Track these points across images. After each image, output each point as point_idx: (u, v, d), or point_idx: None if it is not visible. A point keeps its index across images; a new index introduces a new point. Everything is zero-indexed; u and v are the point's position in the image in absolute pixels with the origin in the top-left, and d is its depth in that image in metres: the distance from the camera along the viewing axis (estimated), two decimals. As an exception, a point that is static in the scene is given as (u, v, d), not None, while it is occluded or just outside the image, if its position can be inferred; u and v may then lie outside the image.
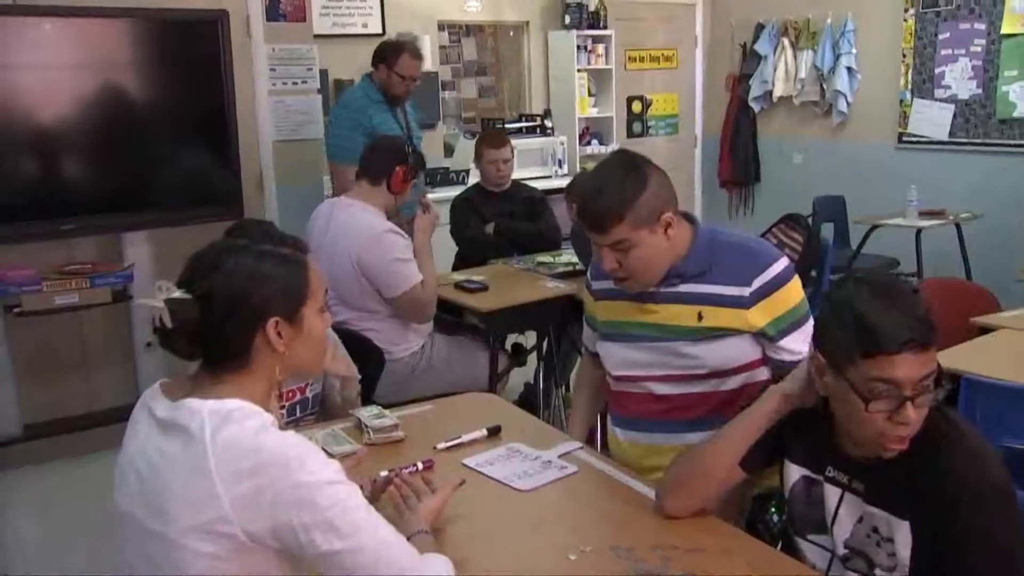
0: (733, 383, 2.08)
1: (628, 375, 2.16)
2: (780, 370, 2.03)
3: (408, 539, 1.43)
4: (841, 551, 1.65)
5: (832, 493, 1.65)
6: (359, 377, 2.70)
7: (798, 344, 2.03)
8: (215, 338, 1.37)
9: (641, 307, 2.10)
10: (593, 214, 1.97)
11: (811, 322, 2.07)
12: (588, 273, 2.33)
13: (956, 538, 1.48)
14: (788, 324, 2.04)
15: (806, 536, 1.72)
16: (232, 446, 1.28)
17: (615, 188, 1.95)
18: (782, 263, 2.06)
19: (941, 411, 1.55)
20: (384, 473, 1.79)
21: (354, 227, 3.26)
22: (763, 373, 2.10)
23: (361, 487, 1.69)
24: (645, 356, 2.11)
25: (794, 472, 1.73)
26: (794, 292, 2.06)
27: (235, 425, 1.29)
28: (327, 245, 3.27)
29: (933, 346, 1.46)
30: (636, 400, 2.16)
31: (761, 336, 2.06)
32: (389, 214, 3.40)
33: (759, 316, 2.03)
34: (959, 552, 1.48)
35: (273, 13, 4.72)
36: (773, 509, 1.98)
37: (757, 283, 2.02)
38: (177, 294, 1.35)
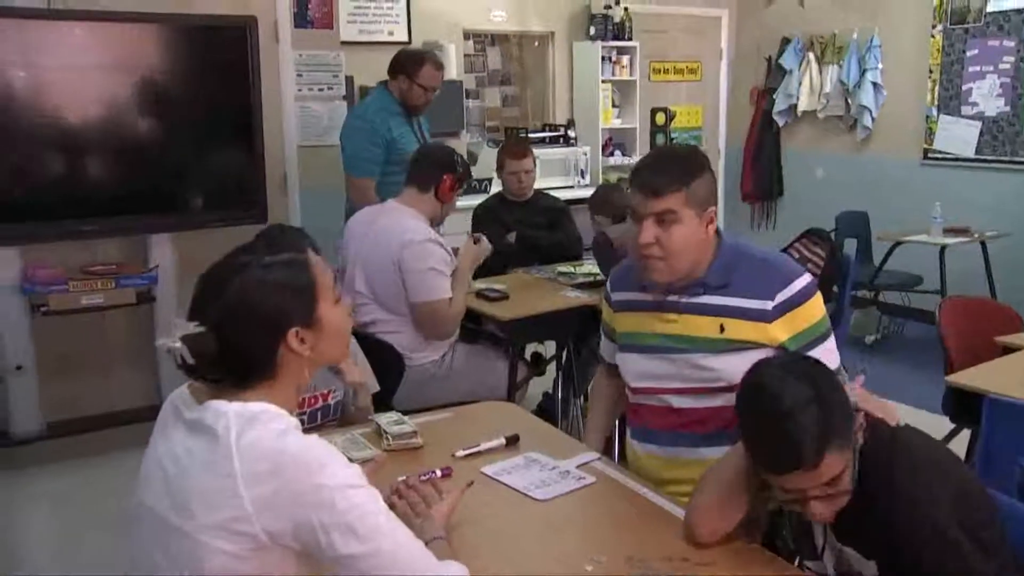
0: None
1: (646, 387, 2.16)
2: None
3: (425, 545, 1.43)
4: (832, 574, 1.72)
5: (818, 526, 1.72)
6: (376, 388, 2.71)
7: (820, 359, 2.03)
8: (238, 361, 1.38)
9: (661, 317, 2.10)
10: (656, 176, 1.99)
11: (832, 338, 2.09)
12: (608, 284, 2.33)
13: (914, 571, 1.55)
14: (810, 340, 2.04)
15: (805, 563, 1.77)
16: (255, 448, 1.30)
17: (681, 160, 2.05)
18: (805, 279, 2.06)
19: (895, 458, 1.60)
20: (401, 479, 1.79)
21: (399, 228, 3.29)
22: None
23: (396, 490, 1.72)
24: (664, 368, 2.10)
25: None
26: (816, 308, 2.06)
27: (259, 428, 1.32)
28: (368, 246, 3.32)
29: (824, 462, 1.52)
30: (654, 412, 2.15)
31: (782, 351, 2.05)
32: (434, 223, 3.43)
33: (781, 331, 2.02)
34: None
35: (301, 20, 4.77)
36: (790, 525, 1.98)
37: (780, 297, 2.02)
38: (191, 328, 1.36)
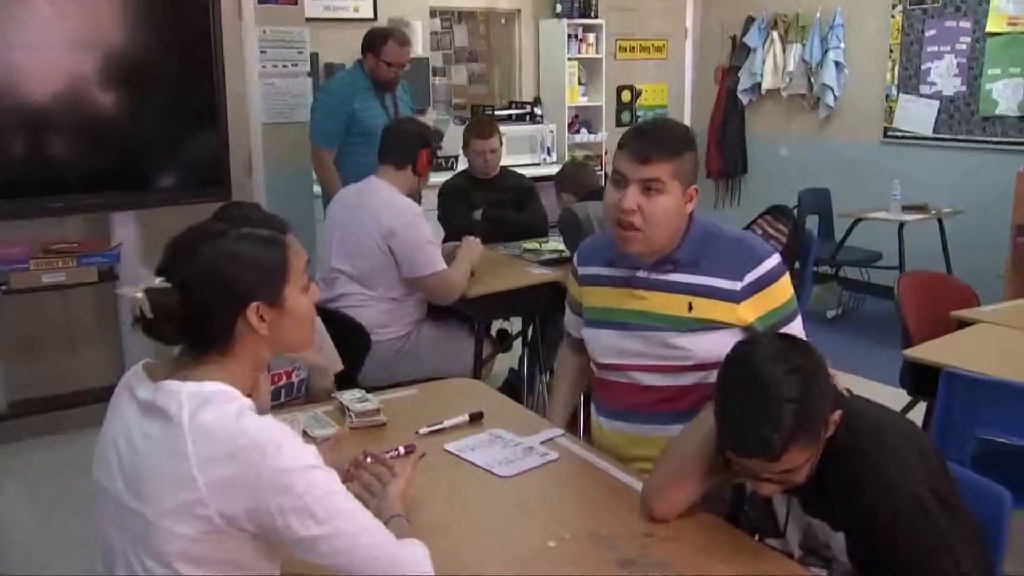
0: None
1: (613, 363, 2.16)
2: None
3: (384, 524, 1.43)
4: (797, 552, 1.73)
5: (780, 501, 1.74)
6: (339, 367, 2.72)
7: None
8: (197, 325, 1.37)
9: (631, 293, 2.11)
10: (648, 143, 2.00)
11: (799, 319, 2.12)
12: (575, 258, 2.33)
13: (884, 545, 1.57)
14: (777, 320, 2.06)
15: (764, 540, 1.78)
16: (210, 430, 1.29)
17: (674, 132, 2.07)
18: (774, 259, 2.08)
19: (856, 431, 1.62)
20: (351, 459, 1.77)
21: (389, 203, 3.34)
22: None
23: (348, 471, 1.72)
24: (632, 344, 2.11)
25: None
26: (784, 289, 2.08)
27: (213, 409, 1.30)
28: (351, 220, 3.38)
29: (787, 455, 1.52)
30: (621, 389, 2.16)
31: (749, 332, 2.06)
32: (412, 197, 3.49)
33: (749, 311, 2.04)
34: (890, 554, 1.57)
35: (265, -5, 4.71)
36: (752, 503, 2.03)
37: (749, 278, 2.04)
38: (157, 283, 1.35)
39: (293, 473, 1.29)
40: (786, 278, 2.09)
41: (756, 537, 1.81)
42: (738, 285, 2.04)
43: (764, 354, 1.57)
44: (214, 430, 1.29)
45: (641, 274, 2.10)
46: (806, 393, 1.52)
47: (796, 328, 2.10)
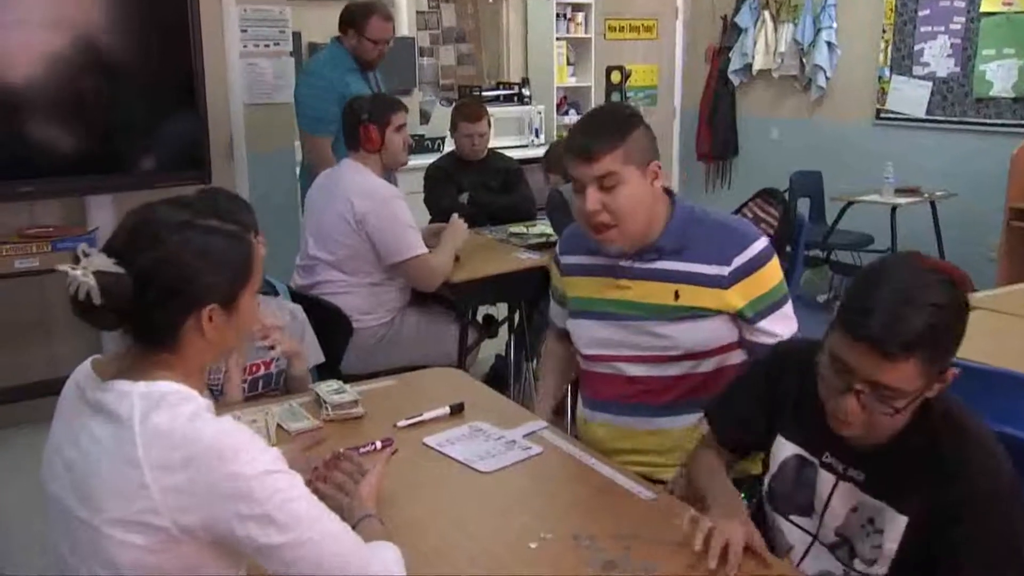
0: (707, 366, 2.04)
1: (599, 355, 2.11)
2: (755, 353, 2.00)
3: (354, 527, 1.38)
4: (831, 538, 1.62)
5: (826, 479, 1.61)
6: (320, 360, 2.64)
7: (776, 326, 2.00)
8: (145, 319, 1.27)
9: (615, 283, 2.05)
10: (588, 140, 1.92)
11: (789, 304, 2.04)
12: (557, 247, 2.27)
13: (953, 541, 1.44)
14: (767, 305, 2.00)
15: (788, 515, 1.68)
16: (162, 434, 1.20)
17: (612, 119, 1.97)
18: (762, 242, 2.01)
19: (951, 408, 1.49)
20: (317, 460, 1.69)
21: (360, 186, 3.24)
22: (738, 356, 2.06)
23: (316, 469, 1.65)
24: (617, 335, 2.05)
25: (786, 449, 1.68)
26: (774, 273, 2.02)
27: (166, 411, 1.22)
28: (326, 205, 3.28)
29: (900, 361, 1.37)
30: (607, 381, 2.11)
31: (739, 317, 2.01)
32: (387, 172, 3.41)
33: (737, 297, 1.98)
34: (952, 553, 1.45)
35: (244, -28, 4.60)
36: (743, 495, 1.96)
37: (737, 262, 1.97)
38: (108, 264, 1.23)
39: (252, 479, 1.21)
40: (775, 261, 2.02)
41: (772, 509, 1.71)
42: (725, 271, 1.97)
43: (919, 260, 1.45)
44: (167, 434, 1.21)
45: (624, 263, 2.03)
46: (946, 312, 1.38)
47: (787, 313, 2.04)
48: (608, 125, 1.94)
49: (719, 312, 1.99)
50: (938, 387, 1.45)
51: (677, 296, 1.99)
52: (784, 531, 1.69)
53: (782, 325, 2.01)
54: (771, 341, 1.96)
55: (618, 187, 1.90)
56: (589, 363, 2.15)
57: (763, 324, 2.00)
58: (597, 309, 2.09)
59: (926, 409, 1.47)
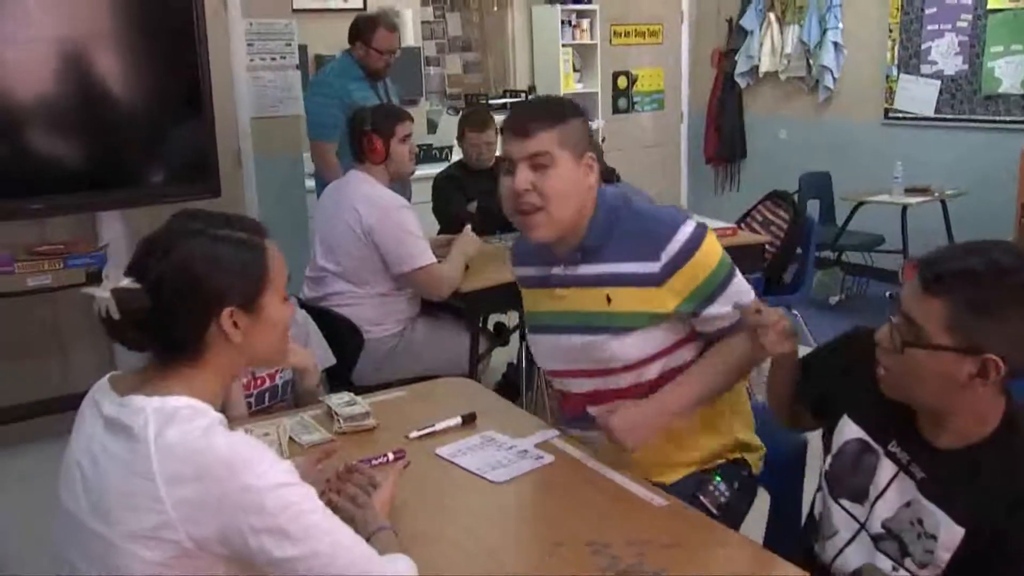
0: (653, 372, 1.92)
1: (552, 370, 2.05)
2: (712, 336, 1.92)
3: (368, 539, 1.37)
4: (876, 529, 1.59)
5: (887, 468, 1.58)
6: (331, 362, 2.64)
7: (726, 307, 1.86)
8: (166, 329, 1.30)
9: (551, 293, 1.96)
10: (525, 115, 1.87)
11: (739, 277, 1.90)
12: (509, 259, 2.17)
13: (1012, 553, 1.41)
14: (713, 290, 1.86)
15: (839, 499, 1.65)
16: (176, 448, 1.21)
17: (553, 103, 1.96)
18: (688, 226, 1.85)
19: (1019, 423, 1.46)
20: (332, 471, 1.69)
21: (366, 197, 3.25)
22: (687, 353, 1.94)
23: (328, 482, 1.65)
24: (560, 350, 1.98)
25: (852, 430, 1.65)
26: (712, 254, 1.86)
27: (180, 425, 1.23)
28: (333, 216, 3.29)
29: (931, 296, 1.37)
30: (565, 397, 2.06)
31: (680, 316, 1.89)
32: (394, 182, 3.41)
33: (672, 295, 1.85)
34: (1011, 567, 1.42)
35: (250, -14, 4.62)
36: (718, 477, 1.93)
37: (667, 255, 1.83)
38: (126, 283, 1.28)
39: (265, 491, 1.22)
40: (708, 241, 1.85)
41: (828, 491, 1.68)
42: (656, 266, 1.83)
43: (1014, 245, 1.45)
44: (181, 448, 1.21)
45: (556, 271, 1.95)
46: (1003, 275, 1.35)
47: (738, 288, 1.88)
48: (547, 107, 1.90)
49: (655, 315, 1.87)
50: (969, 371, 1.39)
51: (609, 300, 1.87)
52: (832, 514, 1.66)
53: (737, 299, 1.86)
54: (725, 324, 1.87)
55: (550, 168, 1.81)
56: (551, 378, 2.10)
57: (711, 310, 1.87)
58: (542, 323, 2.02)
59: (1009, 426, 1.44)
